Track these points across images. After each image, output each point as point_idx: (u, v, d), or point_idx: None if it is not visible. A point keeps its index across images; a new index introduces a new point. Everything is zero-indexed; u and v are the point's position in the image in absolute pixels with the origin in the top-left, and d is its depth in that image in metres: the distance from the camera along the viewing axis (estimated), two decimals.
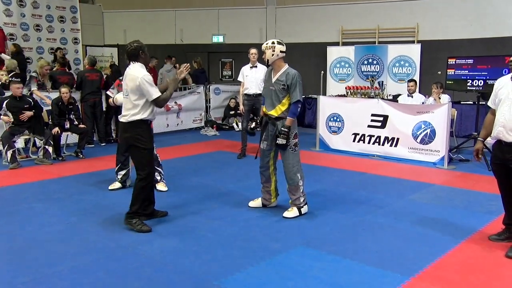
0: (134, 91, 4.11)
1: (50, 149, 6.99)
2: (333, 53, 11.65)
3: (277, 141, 4.49)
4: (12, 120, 6.84)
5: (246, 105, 7.46)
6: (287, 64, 4.62)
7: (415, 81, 8.56)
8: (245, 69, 7.54)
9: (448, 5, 10.69)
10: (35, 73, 7.90)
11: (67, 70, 9.72)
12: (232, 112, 11.08)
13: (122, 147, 5.47)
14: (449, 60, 8.13)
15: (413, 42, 11.00)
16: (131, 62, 4.22)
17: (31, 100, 7.05)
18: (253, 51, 7.36)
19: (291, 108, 4.51)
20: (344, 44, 11.80)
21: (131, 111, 4.16)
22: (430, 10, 10.93)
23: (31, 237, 4.05)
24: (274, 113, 4.58)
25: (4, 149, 6.70)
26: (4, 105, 6.82)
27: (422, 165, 7.03)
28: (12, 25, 11.39)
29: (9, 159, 6.65)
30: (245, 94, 7.47)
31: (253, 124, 5.30)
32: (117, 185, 5.67)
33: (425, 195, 5.51)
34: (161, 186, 5.59)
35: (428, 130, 7.12)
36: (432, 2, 10.89)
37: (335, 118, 8.16)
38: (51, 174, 6.43)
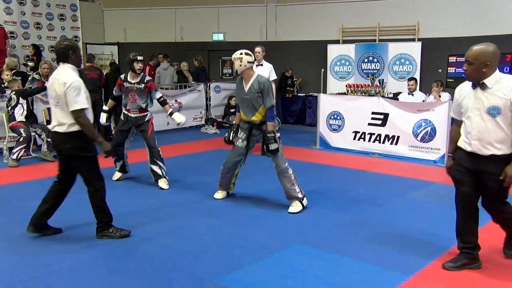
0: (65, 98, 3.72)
1: None
2: (333, 51, 11.61)
3: (270, 148, 4.65)
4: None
5: None
6: (256, 72, 4.84)
7: (415, 79, 8.54)
8: None
9: (448, 3, 10.65)
10: (38, 75, 7.92)
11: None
12: (232, 110, 11.05)
13: (119, 138, 5.73)
14: (449, 58, 8.11)
15: (413, 40, 10.96)
16: (60, 63, 3.83)
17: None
18: (258, 49, 7.32)
19: (267, 113, 4.73)
20: (345, 42, 11.76)
21: (69, 121, 3.76)
22: (430, 8, 10.88)
23: (30, 236, 4.04)
24: (256, 118, 4.78)
25: (21, 146, 6.74)
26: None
27: (422, 163, 7.02)
28: (13, 23, 11.38)
29: (19, 155, 6.70)
30: None
31: (233, 134, 5.56)
32: (117, 175, 5.93)
33: (425, 193, 5.50)
34: (162, 184, 5.59)
35: (429, 128, 7.11)
36: (433, 0, 10.86)
37: (335, 116, 8.15)
38: (50, 172, 6.37)
